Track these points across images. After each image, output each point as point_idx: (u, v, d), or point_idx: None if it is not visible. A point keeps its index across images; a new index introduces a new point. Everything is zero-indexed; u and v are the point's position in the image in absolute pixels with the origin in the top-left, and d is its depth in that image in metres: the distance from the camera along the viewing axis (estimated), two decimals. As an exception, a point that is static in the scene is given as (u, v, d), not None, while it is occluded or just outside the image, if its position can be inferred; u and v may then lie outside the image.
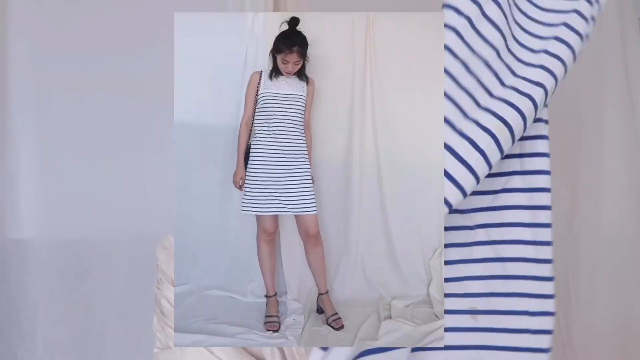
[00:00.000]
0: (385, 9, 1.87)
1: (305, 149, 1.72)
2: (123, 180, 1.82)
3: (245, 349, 0.92)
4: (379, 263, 2.01)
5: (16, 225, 1.82)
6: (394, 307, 1.81)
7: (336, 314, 1.72)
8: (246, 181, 1.68)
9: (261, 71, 1.73)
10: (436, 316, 1.75)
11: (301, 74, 1.73)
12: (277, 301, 1.79)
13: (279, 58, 1.66)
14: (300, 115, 1.71)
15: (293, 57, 1.64)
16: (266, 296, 1.78)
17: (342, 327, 1.67)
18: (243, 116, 1.73)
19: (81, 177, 1.82)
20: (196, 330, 1.62)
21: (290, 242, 1.92)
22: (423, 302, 1.88)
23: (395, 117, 1.98)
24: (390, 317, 1.74)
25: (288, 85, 1.70)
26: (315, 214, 1.69)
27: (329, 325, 1.69)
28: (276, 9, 1.90)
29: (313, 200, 1.68)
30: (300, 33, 1.66)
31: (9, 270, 1.82)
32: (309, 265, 1.75)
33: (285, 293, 1.90)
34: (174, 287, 0.90)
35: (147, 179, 1.83)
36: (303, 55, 1.66)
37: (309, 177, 1.70)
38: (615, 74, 1.84)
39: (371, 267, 2.00)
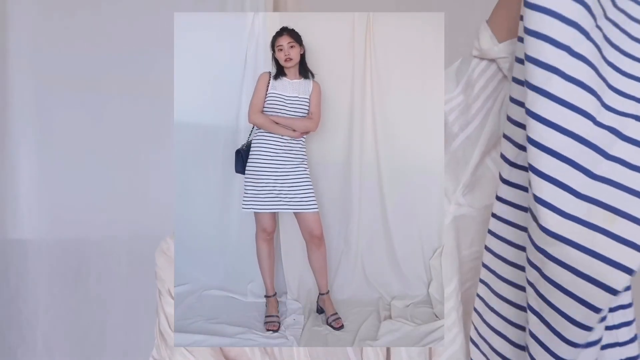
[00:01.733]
0: (385, 9, 1.87)
1: (305, 149, 1.72)
2: (123, 180, 1.82)
3: (226, 355, 0.92)
4: (379, 263, 2.01)
5: (16, 225, 1.82)
6: (394, 307, 1.81)
7: (336, 313, 1.72)
8: (246, 179, 1.68)
9: (270, 72, 1.73)
10: (436, 316, 1.75)
11: (306, 72, 1.72)
12: (277, 301, 1.79)
13: (276, 51, 1.68)
14: (302, 117, 1.70)
15: (285, 39, 1.65)
16: (266, 296, 1.78)
17: (342, 326, 1.67)
18: (252, 107, 1.66)
19: (81, 177, 1.82)
20: (196, 330, 1.61)
21: (291, 242, 1.92)
22: (423, 302, 1.87)
23: (395, 116, 1.98)
24: (390, 317, 1.74)
25: (293, 89, 1.70)
26: (317, 213, 1.69)
27: (329, 325, 1.69)
28: (276, 9, 1.90)
29: (313, 198, 1.68)
30: None
31: (9, 270, 1.83)
32: (311, 265, 1.75)
33: (285, 293, 1.89)
34: (173, 299, 0.89)
35: (147, 179, 1.83)
36: (296, 38, 1.67)
37: (308, 177, 1.70)
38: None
39: (371, 267, 2.00)
